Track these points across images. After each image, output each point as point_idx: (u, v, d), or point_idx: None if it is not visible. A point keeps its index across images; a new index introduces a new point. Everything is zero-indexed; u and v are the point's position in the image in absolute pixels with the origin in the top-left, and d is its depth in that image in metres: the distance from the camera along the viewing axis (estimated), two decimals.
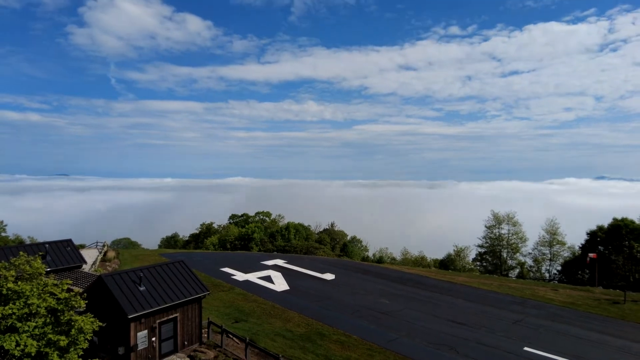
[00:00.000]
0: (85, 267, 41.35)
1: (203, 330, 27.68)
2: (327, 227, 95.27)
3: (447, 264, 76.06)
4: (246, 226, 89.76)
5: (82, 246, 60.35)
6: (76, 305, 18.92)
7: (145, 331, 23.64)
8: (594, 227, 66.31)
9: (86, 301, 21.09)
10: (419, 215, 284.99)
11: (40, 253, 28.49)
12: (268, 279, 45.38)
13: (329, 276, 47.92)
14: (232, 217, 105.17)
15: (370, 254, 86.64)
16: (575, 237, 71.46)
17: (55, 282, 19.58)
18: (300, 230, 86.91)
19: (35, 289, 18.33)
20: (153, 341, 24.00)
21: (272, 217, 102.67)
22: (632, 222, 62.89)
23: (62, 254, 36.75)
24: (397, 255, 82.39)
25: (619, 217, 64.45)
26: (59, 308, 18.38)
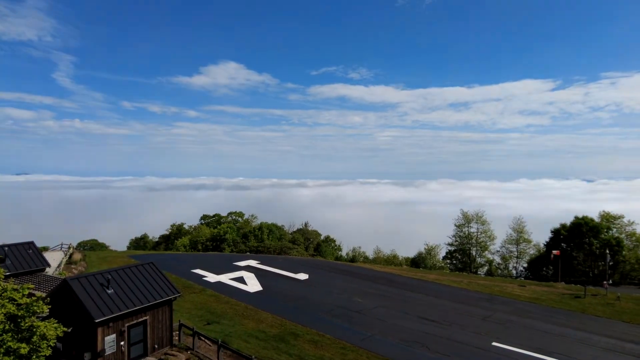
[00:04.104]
0: (49, 271, 39.63)
1: (174, 333, 27.07)
2: (301, 227, 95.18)
3: (418, 262, 77.48)
4: (218, 227, 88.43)
5: (46, 248, 57.84)
6: (38, 311, 18.15)
7: (114, 335, 22.91)
8: (557, 225, 69.17)
9: (50, 306, 20.24)
10: (395, 213, 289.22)
11: None
12: (241, 280, 44.88)
13: (303, 276, 47.89)
14: (204, 217, 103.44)
15: (343, 253, 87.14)
16: (539, 234, 74.33)
17: (15, 286, 18.70)
18: (273, 230, 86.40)
19: None
20: (122, 345, 23.28)
21: (245, 217, 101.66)
22: (592, 220, 65.98)
23: (22, 257, 35.07)
24: (370, 254, 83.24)
25: (580, 215, 67.48)
26: (19, 314, 17.57)
